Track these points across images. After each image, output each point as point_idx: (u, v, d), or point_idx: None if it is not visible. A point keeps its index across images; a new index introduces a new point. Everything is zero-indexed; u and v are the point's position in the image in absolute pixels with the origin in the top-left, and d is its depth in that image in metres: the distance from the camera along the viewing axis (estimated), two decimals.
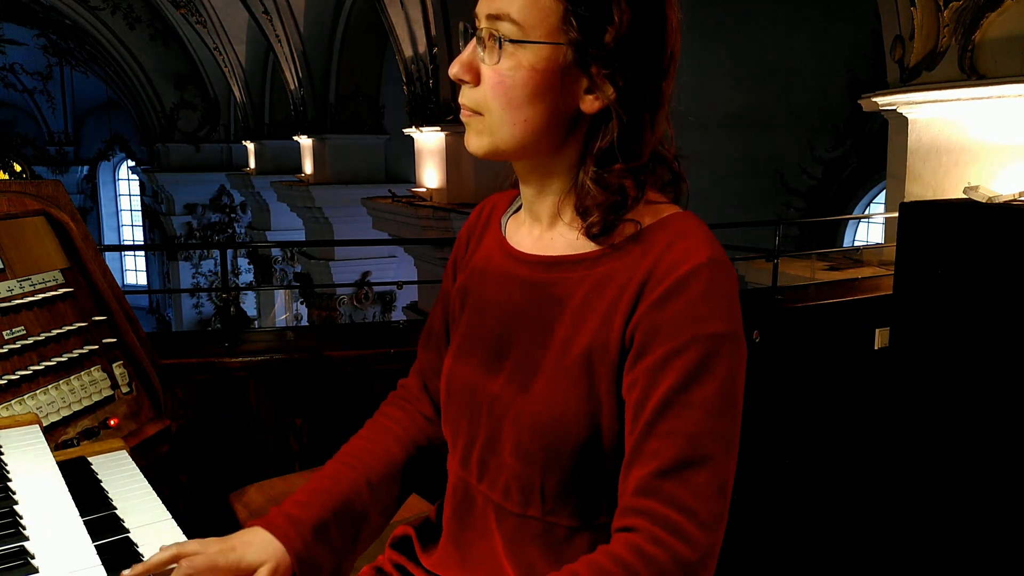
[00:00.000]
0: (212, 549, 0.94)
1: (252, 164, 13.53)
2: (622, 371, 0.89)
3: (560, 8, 0.86)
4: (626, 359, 0.89)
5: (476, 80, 0.91)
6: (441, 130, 6.93)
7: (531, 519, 0.96)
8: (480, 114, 0.92)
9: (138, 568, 0.91)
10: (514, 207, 1.08)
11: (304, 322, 10.96)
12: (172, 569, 0.92)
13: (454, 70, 0.92)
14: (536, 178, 0.97)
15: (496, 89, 0.89)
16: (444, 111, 6.86)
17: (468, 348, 1.03)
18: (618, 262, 0.91)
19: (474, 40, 0.91)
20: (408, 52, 7.29)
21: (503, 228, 1.06)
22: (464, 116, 0.95)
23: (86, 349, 1.53)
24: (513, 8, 0.86)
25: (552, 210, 0.97)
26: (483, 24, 0.89)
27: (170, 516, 1.10)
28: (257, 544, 0.98)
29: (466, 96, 0.93)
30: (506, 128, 0.90)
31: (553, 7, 0.86)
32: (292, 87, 10.56)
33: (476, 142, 0.94)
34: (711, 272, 0.86)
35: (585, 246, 0.94)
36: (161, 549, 0.94)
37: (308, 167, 10.71)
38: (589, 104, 0.90)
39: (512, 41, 0.87)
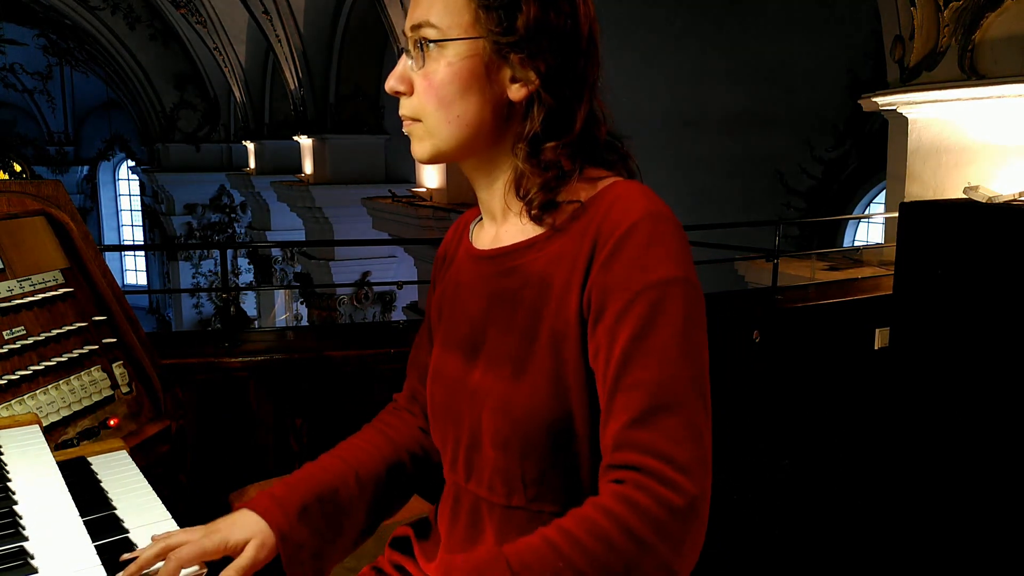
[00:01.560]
0: (196, 535, 0.96)
1: (252, 164, 13.51)
2: (585, 345, 0.91)
3: (472, 5, 0.92)
4: (586, 331, 0.91)
5: (410, 90, 0.97)
6: None
7: (516, 509, 0.97)
8: (419, 120, 0.98)
9: (131, 568, 0.92)
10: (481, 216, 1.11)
11: (304, 322, 10.96)
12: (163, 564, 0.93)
13: (389, 84, 0.98)
14: (483, 176, 1.02)
15: (428, 92, 0.95)
16: None
17: (446, 355, 1.06)
18: (565, 238, 0.95)
19: (404, 55, 0.98)
20: None
21: (470, 235, 1.11)
22: (405, 127, 1.00)
23: (86, 349, 1.53)
24: (431, 14, 0.93)
25: (503, 203, 1.01)
26: (409, 35, 0.96)
27: (170, 516, 1.10)
28: (241, 523, 0.99)
29: (404, 106, 0.99)
30: (443, 127, 0.96)
31: (465, 5, 0.93)
32: (292, 87, 10.55)
33: (419, 148, 0.99)
34: (650, 224, 0.89)
35: (534, 231, 0.98)
36: (152, 540, 0.95)
37: (308, 167, 10.70)
38: (516, 92, 0.95)
39: (433, 42, 0.93)
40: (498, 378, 0.97)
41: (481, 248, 1.05)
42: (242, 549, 0.97)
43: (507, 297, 0.98)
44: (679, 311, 0.86)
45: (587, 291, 0.90)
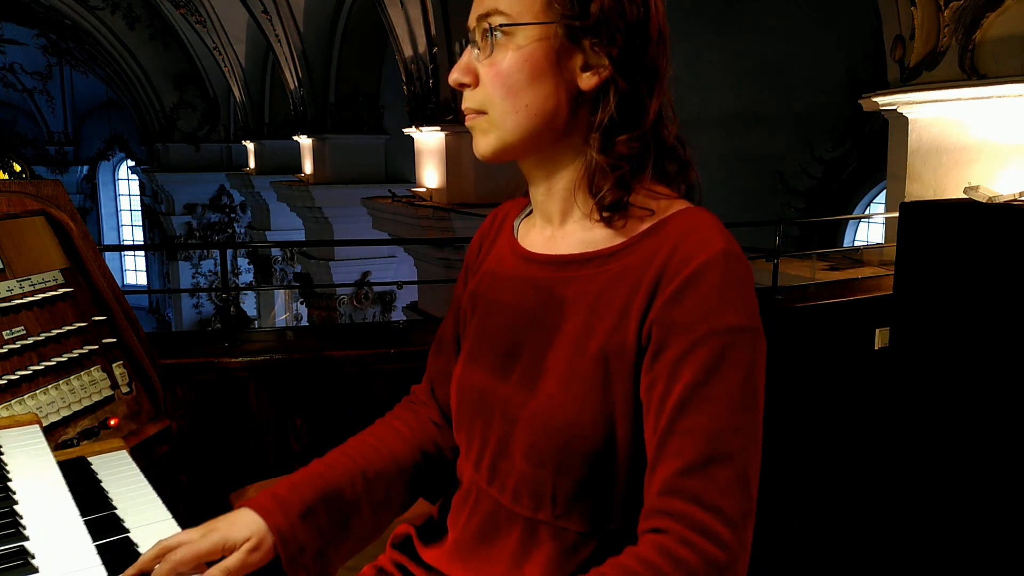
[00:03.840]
0: (194, 536, 0.94)
1: (252, 164, 13.53)
2: (638, 371, 0.88)
3: None
4: (642, 358, 0.88)
5: (475, 81, 0.93)
6: (441, 130, 6.92)
7: (541, 523, 0.95)
8: (484, 112, 0.93)
9: (130, 571, 0.91)
10: (526, 211, 1.08)
11: (304, 322, 10.96)
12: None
13: (454, 76, 0.94)
14: (544, 174, 0.98)
15: (495, 81, 0.91)
16: (444, 111, 6.86)
17: (479, 352, 1.03)
18: (630, 258, 0.91)
19: (469, 47, 0.94)
20: (408, 52, 7.29)
21: (515, 231, 1.06)
22: (469, 121, 0.96)
23: (86, 349, 1.53)
24: (500, 1, 0.90)
25: (563, 206, 0.97)
26: (475, 25, 0.93)
27: (170, 516, 1.10)
28: (241, 523, 0.97)
29: (468, 99, 0.95)
30: (510, 118, 0.91)
31: None
32: (292, 87, 10.56)
33: (484, 142, 0.95)
34: (725, 264, 0.85)
35: (596, 243, 0.94)
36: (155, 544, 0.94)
37: (308, 167, 10.71)
38: (586, 81, 0.91)
39: (503, 27, 0.90)
40: (538, 390, 0.93)
41: (533, 250, 1.00)
42: (240, 547, 0.95)
43: (558, 306, 0.94)
44: (744, 361, 0.84)
45: (648, 321, 0.87)
